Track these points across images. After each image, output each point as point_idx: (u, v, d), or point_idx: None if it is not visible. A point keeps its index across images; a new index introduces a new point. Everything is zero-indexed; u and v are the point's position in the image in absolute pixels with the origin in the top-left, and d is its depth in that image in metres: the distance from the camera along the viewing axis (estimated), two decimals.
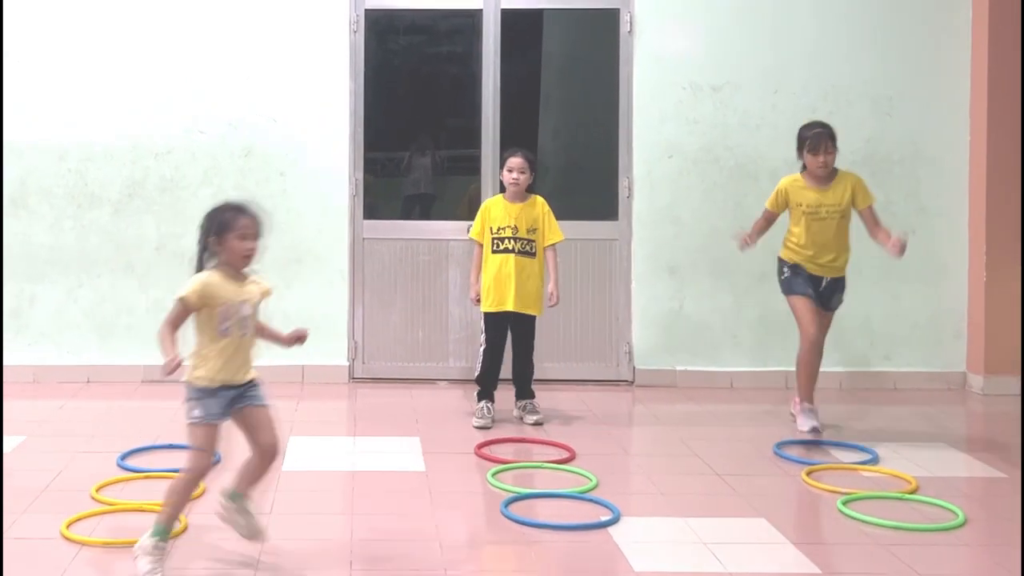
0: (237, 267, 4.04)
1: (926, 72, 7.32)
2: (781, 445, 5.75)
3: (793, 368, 6.13)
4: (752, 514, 4.75)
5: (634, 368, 7.32)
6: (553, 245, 6.22)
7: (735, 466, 5.47)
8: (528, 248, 6.18)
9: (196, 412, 3.99)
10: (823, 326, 6.07)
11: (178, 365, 3.87)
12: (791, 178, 6.08)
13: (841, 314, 7.23)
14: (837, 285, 6.07)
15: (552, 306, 6.27)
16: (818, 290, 6.01)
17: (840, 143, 7.19)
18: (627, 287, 7.33)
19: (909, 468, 5.41)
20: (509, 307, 6.15)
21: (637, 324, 7.32)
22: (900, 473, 5.29)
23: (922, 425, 6.38)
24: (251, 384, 4.08)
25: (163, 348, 3.92)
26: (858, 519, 4.64)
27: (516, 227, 6.18)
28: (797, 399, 6.10)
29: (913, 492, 5.04)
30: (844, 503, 4.80)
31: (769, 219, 6.14)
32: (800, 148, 6.05)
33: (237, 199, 4.21)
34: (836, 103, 7.28)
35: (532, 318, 6.27)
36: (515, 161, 6.23)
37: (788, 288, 6.05)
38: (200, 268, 4.03)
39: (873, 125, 7.31)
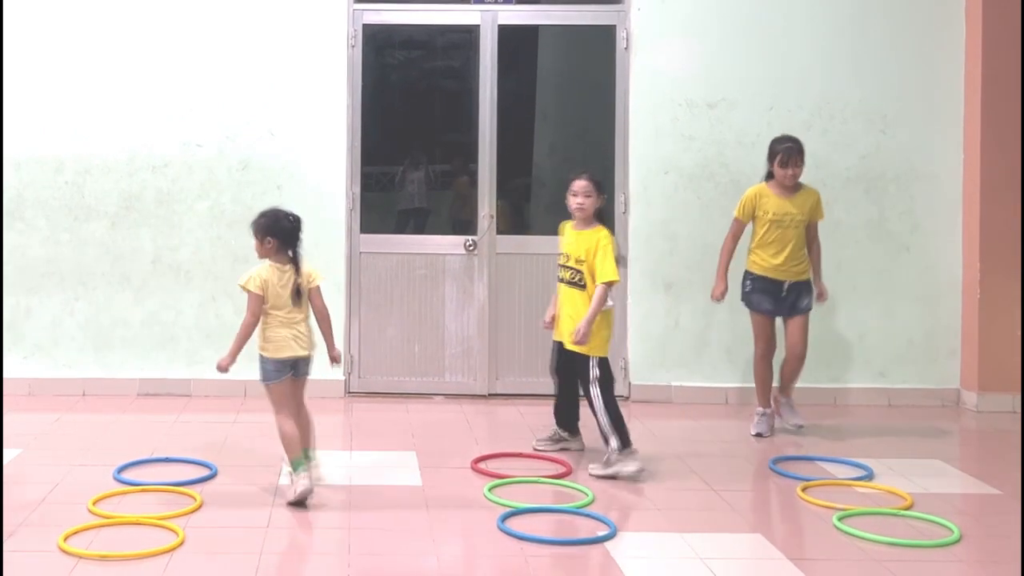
0: None
1: (921, 90, 7.36)
2: (777, 461, 5.77)
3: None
4: (748, 529, 4.78)
5: (630, 384, 7.32)
6: (603, 284, 5.50)
7: (731, 481, 5.48)
8: (575, 279, 5.61)
9: None
10: (795, 333, 6.34)
11: None
12: (757, 187, 6.40)
13: (836, 330, 7.30)
14: (803, 288, 6.34)
15: (575, 343, 5.54)
16: (779, 296, 6.31)
17: (834, 161, 7.31)
18: (623, 303, 7.33)
19: (904, 484, 5.42)
20: (556, 337, 5.79)
21: (633, 340, 7.33)
22: (895, 489, 5.31)
23: (917, 441, 6.39)
24: None
25: None
26: (854, 535, 4.66)
27: (568, 255, 5.68)
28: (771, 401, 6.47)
29: (908, 508, 5.06)
30: (840, 519, 4.82)
31: (737, 233, 6.43)
32: (771, 159, 6.34)
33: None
34: (831, 121, 7.32)
35: (585, 358, 5.60)
36: (580, 184, 5.63)
37: (748, 303, 6.45)
38: None
39: (868, 143, 7.34)
